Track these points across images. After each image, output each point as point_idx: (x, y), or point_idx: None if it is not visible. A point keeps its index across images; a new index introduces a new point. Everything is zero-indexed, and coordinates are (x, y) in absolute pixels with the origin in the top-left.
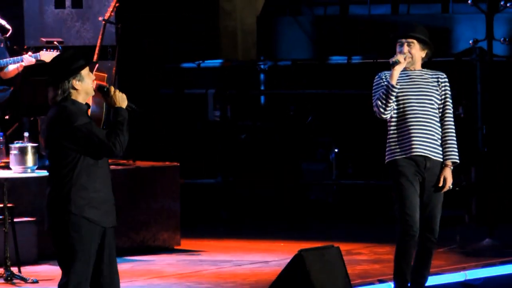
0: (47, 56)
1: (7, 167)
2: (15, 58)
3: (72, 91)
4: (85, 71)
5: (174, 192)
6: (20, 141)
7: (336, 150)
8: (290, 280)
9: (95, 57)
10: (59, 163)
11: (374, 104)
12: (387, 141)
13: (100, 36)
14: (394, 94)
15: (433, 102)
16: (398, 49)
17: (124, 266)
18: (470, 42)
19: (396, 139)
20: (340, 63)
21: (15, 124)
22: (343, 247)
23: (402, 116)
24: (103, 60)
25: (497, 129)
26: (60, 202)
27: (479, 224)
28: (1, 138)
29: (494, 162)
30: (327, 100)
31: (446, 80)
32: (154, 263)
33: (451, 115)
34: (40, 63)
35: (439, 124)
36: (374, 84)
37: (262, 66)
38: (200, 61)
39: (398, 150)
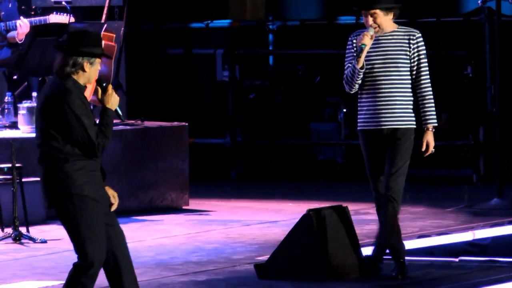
0: (56, 19)
1: (15, 127)
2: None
3: (80, 70)
4: (98, 60)
5: (183, 152)
6: (29, 101)
7: (344, 110)
8: (299, 240)
9: (104, 17)
10: (53, 142)
11: (344, 76)
12: (358, 108)
13: None
14: (361, 75)
15: (400, 68)
16: (364, 19)
17: (132, 226)
18: (479, 2)
19: (361, 109)
20: (349, 23)
21: (23, 84)
22: (351, 207)
23: (368, 87)
24: (111, 21)
25: (505, 89)
26: (61, 183)
27: (487, 183)
28: (9, 98)
29: (503, 122)
30: (335, 60)
31: (419, 39)
32: (163, 223)
33: (426, 76)
34: (48, 24)
35: (409, 89)
36: (346, 50)
37: (270, 26)
38: (209, 21)
39: (363, 120)
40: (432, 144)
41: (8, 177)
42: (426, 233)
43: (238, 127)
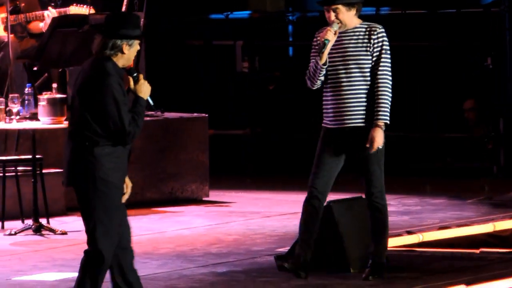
0: (76, 11)
1: (35, 118)
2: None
3: (118, 52)
4: (137, 41)
5: (203, 143)
6: (49, 92)
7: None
8: (319, 231)
9: (123, 9)
10: (86, 122)
11: (307, 71)
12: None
13: None
14: (323, 72)
15: (361, 65)
16: (326, 15)
17: (152, 218)
18: None
19: (324, 107)
20: (369, 14)
21: (43, 75)
22: None
23: (330, 84)
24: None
25: None
26: (87, 165)
27: (507, 175)
28: (29, 89)
29: None
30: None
31: (380, 34)
32: (183, 214)
33: (385, 71)
34: (69, 15)
35: (369, 87)
36: (312, 46)
37: (290, 17)
38: (229, 12)
39: (325, 118)
40: (377, 141)
41: (29, 168)
42: (447, 225)
43: (258, 118)
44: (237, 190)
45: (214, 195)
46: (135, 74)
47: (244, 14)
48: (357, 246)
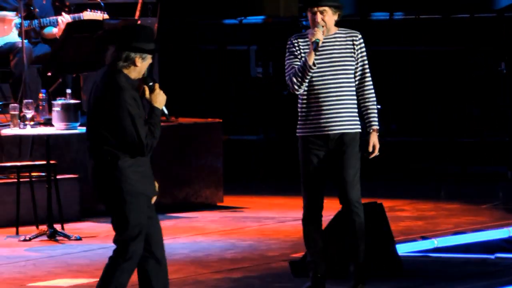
0: (90, 16)
1: (49, 124)
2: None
3: (131, 65)
4: (150, 55)
5: (217, 148)
6: (63, 98)
7: (379, 107)
8: (333, 237)
9: (137, 14)
10: (104, 139)
11: (287, 77)
12: (299, 113)
13: None
14: (311, 73)
15: (347, 71)
16: (310, 17)
17: (167, 223)
18: None
19: (306, 114)
20: (382, 19)
21: (57, 81)
22: (386, 203)
23: (314, 90)
24: (144, 17)
25: None
26: (113, 180)
27: None
28: (43, 95)
29: None
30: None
31: (362, 40)
32: (197, 220)
33: (369, 79)
34: (83, 20)
35: (354, 92)
36: (287, 51)
37: (304, 22)
38: (242, 17)
39: (308, 126)
40: (377, 146)
41: (43, 174)
42: (461, 230)
43: (272, 123)
44: (251, 196)
45: (228, 201)
46: (150, 84)
47: (258, 19)
48: (372, 251)
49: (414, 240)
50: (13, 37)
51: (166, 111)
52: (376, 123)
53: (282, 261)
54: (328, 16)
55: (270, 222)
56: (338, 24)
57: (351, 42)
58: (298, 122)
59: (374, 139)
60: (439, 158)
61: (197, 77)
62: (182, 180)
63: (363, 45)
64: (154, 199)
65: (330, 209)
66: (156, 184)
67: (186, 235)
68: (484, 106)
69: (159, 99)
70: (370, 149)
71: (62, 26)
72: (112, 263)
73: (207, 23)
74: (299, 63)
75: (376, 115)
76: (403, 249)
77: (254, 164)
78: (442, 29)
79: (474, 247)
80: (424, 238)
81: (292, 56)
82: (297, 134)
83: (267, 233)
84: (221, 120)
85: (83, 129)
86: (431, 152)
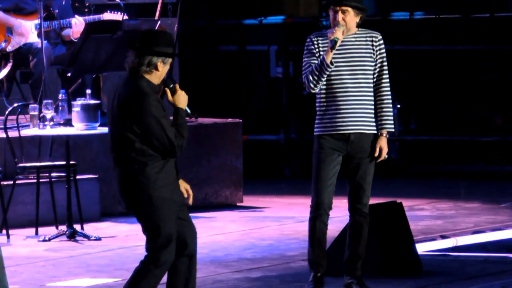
0: (110, 17)
1: (69, 124)
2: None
3: (153, 70)
4: (170, 59)
5: (237, 148)
6: (83, 98)
7: (398, 106)
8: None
9: (157, 14)
10: (130, 145)
11: (304, 75)
12: (317, 112)
13: None
14: (329, 72)
15: (366, 71)
16: (332, 16)
17: None
18: None
19: (324, 114)
20: (402, 19)
21: (77, 81)
22: (406, 203)
23: (332, 90)
24: (164, 17)
25: None
26: (141, 187)
27: None
28: (63, 95)
29: None
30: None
31: (381, 41)
32: (217, 219)
33: (387, 81)
34: (102, 21)
35: (372, 93)
36: (305, 49)
37: (324, 22)
38: (262, 18)
39: (326, 125)
40: (385, 150)
41: (62, 174)
42: (481, 229)
43: (292, 123)
44: (271, 195)
45: (248, 200)
46: (171, 86)
47: (277, 19)
48: (393, 251)
49: (433, 239)
50: (33, 38)
51: (189, 110)
52: (389, 125)
53: (301, 260)
54: (350, 17)
55: (290, 222)
56: (359, 24)
57: (370, 43)
58: (316, 121)
59: (381, 142)
60: (458, 157)
61: (218, 77)
62: (202, 180)
63: (382, 46)
64: (189, 201)
65: (337, 210)
66: (186, 186)
67: (206, 235)
68: (505, 105)
69: (182, 100)
70: (377, 153)
71: (75, 28)
72: (144, 268)
73: (227, 23)
74: (316, 62)
75: (389, 117)
76: (422, 248)
77: (274, 164)
78: (462, 28)
79: (494, 246)
80: (443, 237)
81: (310, 54)
82: (314, 133)
83: (286, 233)
84: (241, 120)
85: (102, 130)
86: (450, 151)
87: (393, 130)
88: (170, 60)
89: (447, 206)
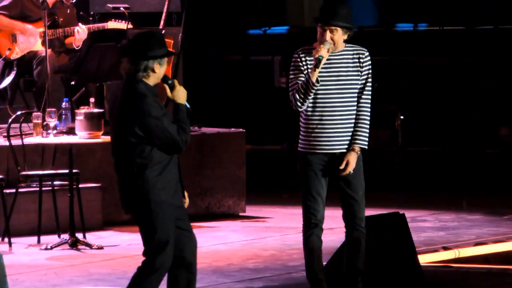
0: (114, 26)
1: (72, 132)
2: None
3: (151, 72)
4: (166, 58)
5: (240, 158)
6: (86, 107)
7: (401, 117)
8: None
9: (162, 23)
10: (131, 149)
11: (290, 93)
12: (301, 129)
13: (166, 3)
14: (314, 90)
15: (353, 89)
16: (319, 33)
17: None
18: None
19: (311, 131)
20: (406, 30)
21: (81, 89)
22: (408, 214)
23: (318, 107)
24: (169, 27)
25: None
26: (140, 190)
27: None
28: (67, 104)
29: None
30: (393, 67)
31: (368, 57)
32: (219, 229)
33: (368, 97)
34: (107, 30)
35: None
36: (292, 65)
37: None
38: (266, 28)
39: (311, 143)
40: (351, 165)
41: (65, 183)
42: (483, 241)
43: (296, 133)
44: (274, 206)
45: (250, 210)
46: (170, 81)
47: (282, 29)
48: (394, 262)
49: (435, 250)
50: (37, 46)
51: (188, 106)
52: (362, 142)
53: (303, 270)
54: (338, 35)
55: (292, 232)
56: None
57: (357, 60)
58: (301, 137)
59: (350, 157)
60: (461, 168)
61: (221, 87)
62: (205, 190)
63: (369, 62)
64: (186, 203)
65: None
66: (186, 194)
67: (208, 245)
68: (508, 116)
69: (181, 95)
70: (342, 166)
71: (78, 36)
72: (140, 273)
73: (231, 33)
74: (303, 79)
75: (364, 133)
76: (424, 259)
77: (277, 175)
78: (467, 40)
79: (496, 258)
80: (446, 248)
81: (297, 71)
82: (299, 149)
83: (289, 243)
84: (244, 130)
85: (106, 138)
86: (453, 162)
87: (366, 147)
88: (166, 59)
89: (449, 218)
